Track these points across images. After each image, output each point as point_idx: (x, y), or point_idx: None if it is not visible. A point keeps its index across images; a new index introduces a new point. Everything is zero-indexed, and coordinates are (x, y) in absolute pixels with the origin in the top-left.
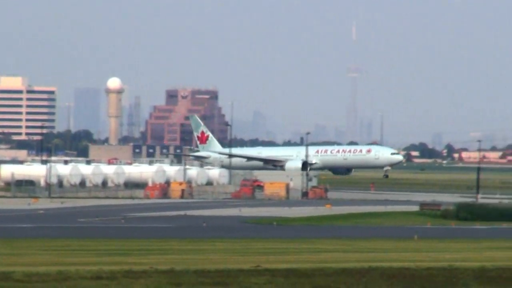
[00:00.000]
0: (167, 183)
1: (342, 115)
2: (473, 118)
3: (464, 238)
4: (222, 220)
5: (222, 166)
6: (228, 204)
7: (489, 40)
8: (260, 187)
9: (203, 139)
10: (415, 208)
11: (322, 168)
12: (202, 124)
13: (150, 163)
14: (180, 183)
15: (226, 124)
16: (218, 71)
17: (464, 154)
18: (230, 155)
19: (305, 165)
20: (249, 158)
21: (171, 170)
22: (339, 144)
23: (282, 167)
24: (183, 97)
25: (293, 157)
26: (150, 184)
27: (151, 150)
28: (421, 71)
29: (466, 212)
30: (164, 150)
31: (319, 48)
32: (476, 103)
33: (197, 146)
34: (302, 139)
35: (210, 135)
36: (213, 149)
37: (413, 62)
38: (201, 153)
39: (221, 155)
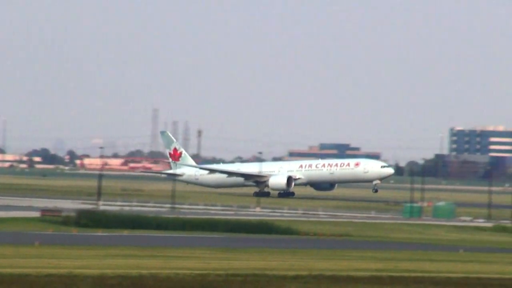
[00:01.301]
0: None
1: None
2: (94, 125)
3: (85, 245)
4: None
5: (197, 184)
6: None
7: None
8: None
9: (176, 156)
10: (37, 214)
11: (306, 183)
12: (174, 140)
13: None
14: None
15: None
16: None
17: (87, 161)
18: (211, 170)
19: (290, 180)
20: (230, 174)
21: None
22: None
23: (264, 183)
24: None
25: (275, 172)
26: None
27: None
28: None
29: (87, 219)
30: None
31: None
32: (97, 109)
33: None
34: None
35: (184, 151)
36: (187, 166)
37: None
38: (175, 171)
39: (196, 173)
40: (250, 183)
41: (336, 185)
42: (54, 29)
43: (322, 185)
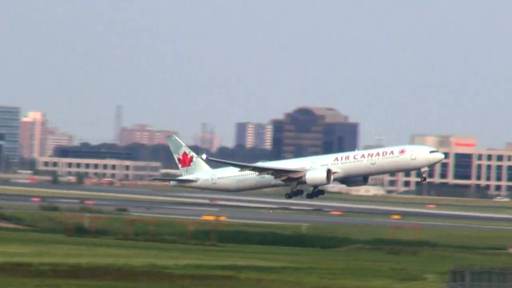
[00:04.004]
0: None
1: None
2: None
3: None
4: None
5: (214, 190)
6: None
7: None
8: None
9: (186, 162)
10: None
11: (343, 177)
12: (183, 144)
13: None
14: None
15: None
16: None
17: None
18: (243, 166)
19: (329, 174)
20: (262, 170)
21: None
22: None
23: (298, 181)
24: None
25: (307, 168)
26: None
27: None
28: None
29: None
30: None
31: None
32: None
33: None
34: None
35: (195, 156)
36: (201, 171)
37: None
38: (187, 177)
39: (213, 177)
40: (279, 182)
41: (369, 178)
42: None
43: (355, 178)
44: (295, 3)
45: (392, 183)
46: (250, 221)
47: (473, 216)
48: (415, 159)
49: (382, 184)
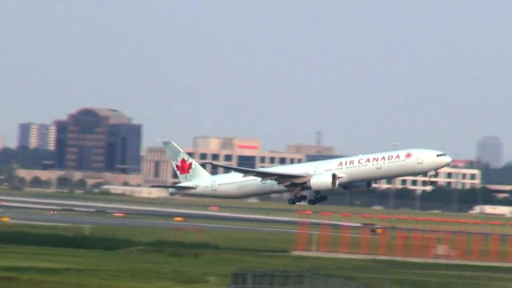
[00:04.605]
0: None
1: None
2: None
3: None
4: None
5: (214, 197)
6: None
7: None
8: None
9: (185, 168)
10: None
11: (347, 182)
12: (182, 151)
13: None
14: None
15: None
16: None
17: None
18: (246, 171)
19: (335, 178)
20: (266, 175)
21: None
22: None
23: (302, 186)
24: None
25: (311, 173)
26: None
27: None
28: None
29: None
30: None
31: None
32: None
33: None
34: None
35: (194, 162)
36: (200, 178)
37: None
38: (186, 184)
39: (213, 183)
40: (282, 188)
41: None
42: None
43: (358, 183)
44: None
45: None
46: (34, 223)
47: (256, 219)
48: (421, 162)
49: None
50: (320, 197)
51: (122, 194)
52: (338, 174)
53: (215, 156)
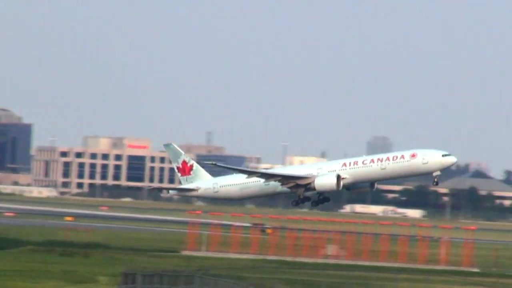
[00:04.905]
0: None
1: None
2: None
3: None
4: None
5: (216, 199)
6: None
7: None
8: None
9: (186, 170)
10: None
11: (352, 183)
12: (182, 153)
13: None
14: None
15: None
16: None
17: None
18: (250, 172)
19: (339, 179)
20: (270, 177)
21: None
22: None
23: (305, 187)
24: None
25: (315, 174)
26: None
27: None
28: None
29: None
30: None
31: None
32: None
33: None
34: None
35: (195, 164)
36: (202, 180)
37: None
38: (187, 186)
39: (214, 185)
40: (285, 189)
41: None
42: None
43: (361, 184)
44: None
45: (65, 184)
46: None
47: (146, 218)
48: (427, 163)
49: (55, 186)
50: (323, 198)
51: (12, 194)
52: (342, 175)
53: (105, 156)
